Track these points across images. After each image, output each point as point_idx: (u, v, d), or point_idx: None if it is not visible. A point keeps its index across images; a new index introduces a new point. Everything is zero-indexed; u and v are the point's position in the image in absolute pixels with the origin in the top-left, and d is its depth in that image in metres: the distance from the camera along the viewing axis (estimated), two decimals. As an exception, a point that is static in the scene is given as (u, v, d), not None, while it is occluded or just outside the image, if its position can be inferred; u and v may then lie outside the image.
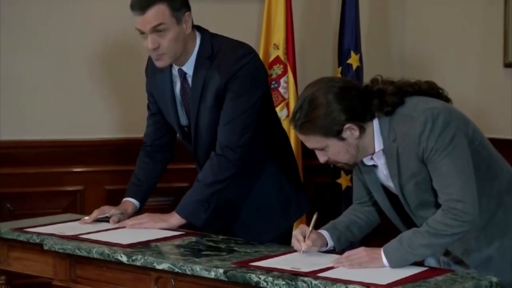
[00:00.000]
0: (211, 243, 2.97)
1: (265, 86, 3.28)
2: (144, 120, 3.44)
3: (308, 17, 5.15)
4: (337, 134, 2.62)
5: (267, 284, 2.48)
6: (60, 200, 4.66)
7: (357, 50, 4.92)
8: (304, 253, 2.74)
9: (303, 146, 4.76)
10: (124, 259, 2.80)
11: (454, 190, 2.56)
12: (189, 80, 3.19)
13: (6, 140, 4.57)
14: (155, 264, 2.72)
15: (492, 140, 2.84)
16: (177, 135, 3.39)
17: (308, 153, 4.84)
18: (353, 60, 4.90)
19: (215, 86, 3.13)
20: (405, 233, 2.63)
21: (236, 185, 3.19)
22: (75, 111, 4.69)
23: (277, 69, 4.75)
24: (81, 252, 2.90)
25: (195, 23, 3.18)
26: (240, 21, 4.77)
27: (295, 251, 2.79)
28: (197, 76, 3.16)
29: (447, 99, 2.73)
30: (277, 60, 4.76)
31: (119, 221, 3.23)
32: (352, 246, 2.80)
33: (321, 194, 4.99)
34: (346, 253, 2.63)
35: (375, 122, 2.67)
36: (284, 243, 3.08)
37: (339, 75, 4.85)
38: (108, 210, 3.27)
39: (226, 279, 2.56)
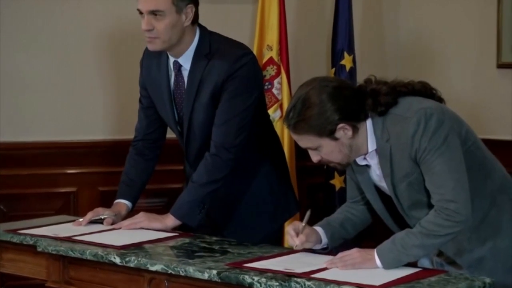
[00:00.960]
0: (204, 244, 2.96)
1: (261, 88, 3.29)
2: (138, 122, 3.45)
3: (301, 18, 5.15)
4: (330, 133, 2.62)
5: (261, 285, 2.48)
6: (53, 201, 4.65)
7: (351, 51, 4.92)
8: (298, 253, 2.74)
9: (296, 147, 4.78)
10: (117, 260, 2.79)
11: (447, 191, 2.56)
12: (184, 74, 3.19)
13: (-1, 141, 4.57)
14: (148, 266, 2.72)
15: (486, 141, 2.84)
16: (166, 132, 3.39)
17: (302, 154, 4.85)
18: (346, 61, 4.91)
19: (212, 84, 3.13)
20: (398, 234, 2.63)
21: (227, 184, 3.19)
22: (68, 113, 4.69)
23: (270, 70, 4.75)
24: (74, 253, 2.90)
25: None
26: (233, 22, 4.77)
27: (289, 252, 2.80)
28: (194, 72, 3.16)
29: (440, 100, 2.73)
30: (270, 61, 4.77)
31: (113, 223, 3.23)
32: (346, 246, 2.80)
33: (315, 195, 4.99)
34: (340, 254, 2.63)
35: (369, 122, 2.67)
36: (272, 244, 3.07)
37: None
38: (102, 212, 3.27)
39: (220, 280, 2.56)
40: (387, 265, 2.58)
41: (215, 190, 3.15)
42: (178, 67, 3.20)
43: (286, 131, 4.72)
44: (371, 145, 2.69)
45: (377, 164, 2.71)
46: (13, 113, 4.59)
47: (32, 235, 3.08)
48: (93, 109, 4.73)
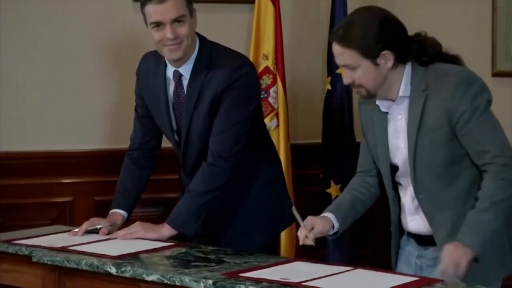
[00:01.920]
0: (200, 254, 2.96)
1: (259, 98, 3.31)
2: (134, 131, 3.45)
3: (297, 27, 5.15)
4: (374, 57, 2.67)
5: (257, 295, 2.48)
6: (49, 211, 4.64)
7: (347, 60, 4.91)
8: (294, 263, 2.77)
9: (293, 156, 4.78)
10: (113, 270, 2.79)
11: (496, 147, 2.63)
12: (184, 83, 3.19)
13: (-5, 151, 4.56)
14: (144, 276, 2.71)
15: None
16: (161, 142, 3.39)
17: (299, 163, 4.88)
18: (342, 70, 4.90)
19: (211, 93, 3.12)
20: (467, 219, 2.63)
21: (223, 193, 3.18)
22: (63, 122, 4.68)
23: (266, 79, 4.75)
24: (70, 263, 2.89)
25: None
26: (229, 31, 4.76)
27: (285, 261, 2.81)
28: (194, 83, 3.15)
29: None
30: (266, 70, 4.77)
31: (108, 233, 3.22)
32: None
33: (311, 204, 4.97)
34: (442, 269, 2.59)
35: (408, 67, 2.74)
36: (268, 253, 3.07)
37: (329, 85, 4.86)
38: (97, 222, 3.26)
39: (216, 290, 2.56)
40: (476, 248, 2.59)
41: (212, 199, 3.14)
42: (178, 76, 3.20)
43: (282, 139, 4.74)
44: (403, 91, 2.73)
45: (403, 114, 2.74)
46: (9, 123, 4.58)
47: (27, 245, 3.07)
48: (88, 118, 4.72)
